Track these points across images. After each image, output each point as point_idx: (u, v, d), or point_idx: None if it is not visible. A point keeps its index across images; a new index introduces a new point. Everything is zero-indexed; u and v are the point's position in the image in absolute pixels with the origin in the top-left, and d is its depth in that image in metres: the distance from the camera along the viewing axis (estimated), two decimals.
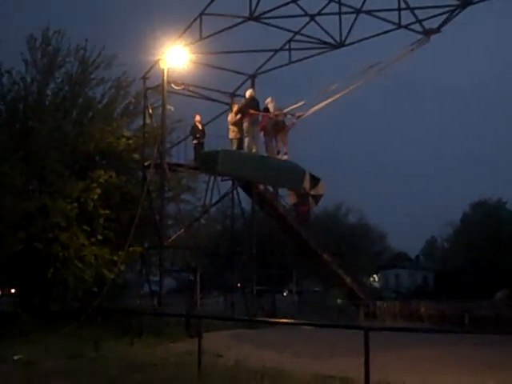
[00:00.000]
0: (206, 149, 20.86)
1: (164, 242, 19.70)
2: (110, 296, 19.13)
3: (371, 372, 8.39)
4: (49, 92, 20.77)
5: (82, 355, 12.75)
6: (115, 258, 19.02)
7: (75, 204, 18.59)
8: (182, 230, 20.65)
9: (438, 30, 19.16)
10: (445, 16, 18.73)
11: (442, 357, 12.66)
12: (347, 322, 18.48)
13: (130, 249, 19.32)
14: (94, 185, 19.14)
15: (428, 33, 19.20)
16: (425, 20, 18.93)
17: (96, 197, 19.06)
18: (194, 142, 20.74)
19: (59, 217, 18.11)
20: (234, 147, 20.86)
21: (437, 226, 58.77)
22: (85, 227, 18.86)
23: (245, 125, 20.67)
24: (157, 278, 20.36)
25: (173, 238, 20.50)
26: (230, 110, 21.40)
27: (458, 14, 18.60)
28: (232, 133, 20.87)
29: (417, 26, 19.10)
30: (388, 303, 23.35)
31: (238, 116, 20.59)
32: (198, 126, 21.00)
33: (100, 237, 19.09)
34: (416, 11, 18.69)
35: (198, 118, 21.10)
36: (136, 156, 21.34)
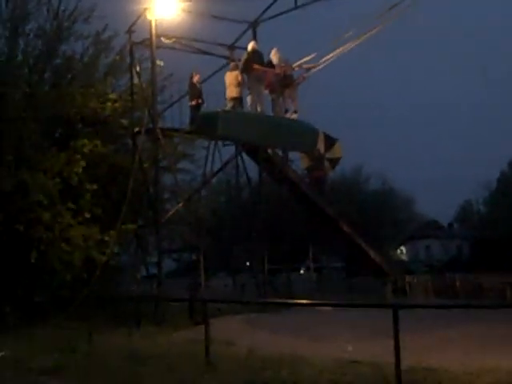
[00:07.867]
0: (204, 110, 20.75)
1: (161, 218, 19.68)
2: (103, 282, 19.13)
3: (402, 356, 8.45)
4: (19, 52, 20.52)
5: (74, 349, 12.85)
6: (106, 238, 19.10)
7: (57, 179, 18.59)
8: (181, 204, 20.67)
9: None
10: None
11: (483, 336, 12.73)
12: (373, 301, 18.55)
13: (123, 227, 19.40)
14: (78, 156, 19.11)
15: None
16: None
17: (81, 170, 19.05)
18: (193, 103, 20.56)
19: (40, 194, 18.11)
20: (236, 107, 20.75)
21: (472, 187, 58.71)
22: (70, 205, 18.81)
23: (248, 81, 20.55)
24: (155, 260, 20.42)
25: (170, 213, 20.49)
26: (230, 64, 21.23)
27: None
28: (232, 91, 20.73)
29: None
30: (418, 277, 23.49)
31: (239, 72, 20.44)
32: (196, 86, 20.81)
33: (88, 215, 19.10)
34: None
35: (196, 77, 20.81)
36: (124, 121, 21.30)
